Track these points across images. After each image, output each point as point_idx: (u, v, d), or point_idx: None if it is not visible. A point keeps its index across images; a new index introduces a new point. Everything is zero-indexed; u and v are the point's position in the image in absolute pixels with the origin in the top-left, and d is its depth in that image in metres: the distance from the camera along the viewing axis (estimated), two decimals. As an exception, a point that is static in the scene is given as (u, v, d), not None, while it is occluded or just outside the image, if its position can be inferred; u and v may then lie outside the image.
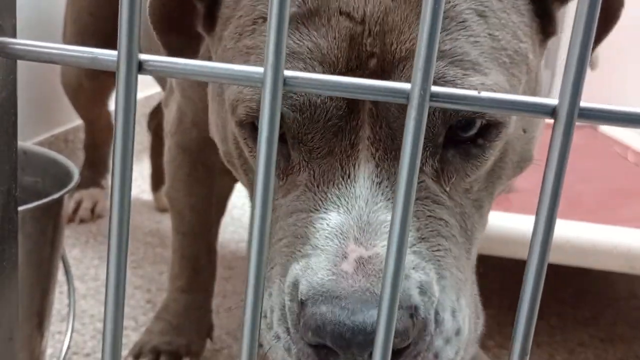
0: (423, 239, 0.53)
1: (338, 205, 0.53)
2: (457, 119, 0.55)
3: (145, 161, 1.83)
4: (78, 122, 1.75)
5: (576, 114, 0.28)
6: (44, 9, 1.62)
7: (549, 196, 0.29)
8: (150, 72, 0.30)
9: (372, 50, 0.54)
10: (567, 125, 0.28)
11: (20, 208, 0.48)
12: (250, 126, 0.59)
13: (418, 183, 0.54)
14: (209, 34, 0.67)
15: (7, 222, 0.36)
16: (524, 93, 0.61)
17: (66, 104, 1.61)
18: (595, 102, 0.30)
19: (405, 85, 0.29)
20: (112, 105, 1.57)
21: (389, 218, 0.52)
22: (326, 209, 0.53)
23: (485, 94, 0.29)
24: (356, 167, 0.54)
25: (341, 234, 0.52)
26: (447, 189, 0.57)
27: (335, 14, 0.54)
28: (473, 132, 0.56)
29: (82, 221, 1.59)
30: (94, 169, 1.68)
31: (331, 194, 0.54)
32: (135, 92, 0.30)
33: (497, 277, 1.50)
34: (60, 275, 0.97)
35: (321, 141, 0.55)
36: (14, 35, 0.33)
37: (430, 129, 0.54)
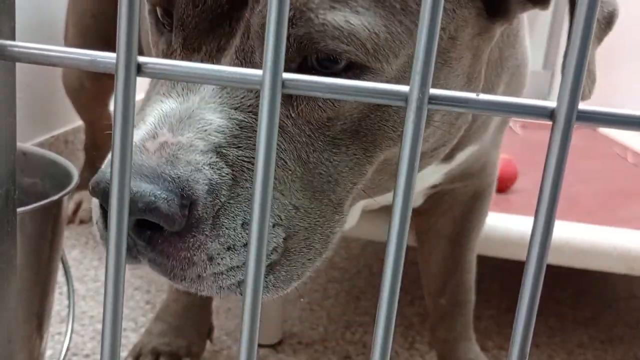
0: (236, 146, 0.54)
1: (179, 95, 0.56)
2: (313, 51, 0.54)
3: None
4: (78, 123, 1.75)
5: (574, 117, 0.28)
6: (44, 12, 1.62)
7: (547, 198, 0.29)
8: (149, 75, 0.30)
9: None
10: (566, 127, 0.28)
11: (19, 209, 0.48)
12: (154, 15, 0.63)
13: (256, 96, 0.55)
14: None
15: (6, 223, 0.36)
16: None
17: (66, 106, 1.61)
18: (594, 104, 0.30)
19: (404, 88, 0.29)
20: (112, 107, 1.57)
21: (211, 118, 0.54)
22: (169, 96, 0.56)
23: (482, 97, 0.29)
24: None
25: (164, 118, 0.54)
26: (293, 114, 0.57)
27: None
28: (338, 68, 0.55)
29: (82, 222, 1.59)
30: (94, 170, 1.67)
31: (180, 85, 0.56)
32: (134, 94, 0.30)
33: (497, 278, 1.50)
34: (60, 277, 0.97)
35: (194, 32, 0.57)
36: (13, 38, 0.33)
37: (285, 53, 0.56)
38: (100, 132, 1.66)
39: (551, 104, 0.29)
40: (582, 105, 0.29)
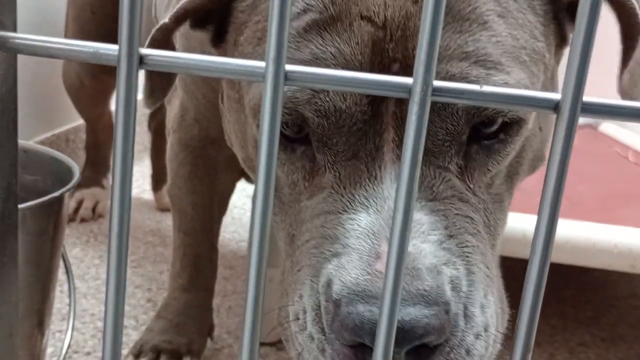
0: (452, 236, 0.54)
1: (367, 206, 0.54)
2: (480, 118, 0.56)
3: (146, 161, 1.83)
4: (79, 121, 1.75)
5: (579, 109, 0.28)
6: (46, 8, 1.62)
7: (551, 191, 0.29)
8: (151, 67, 0.30)
9: (395, 56, 0.54)
10: (570, 119, 0.28)
11: (20, 206, 0.48)
12: None
13: (445, 181, 0.55)
14: (218, 46, 0.67)
15: (7, 218, 0.36)
16: (543, 91, 0.62)
17: (67, 104, 1.61)
18: (599, 96, 0.30)
19: (407, 80, 0.29)
20: (113, 105, 1.57)
21: (418, 217, 0.53)
22: (355, 210, 0.54)
23: (487, 88, 0.29)
24: (382, 168, 0.55)
25: (373, 234, 0.52)
26: (471, 185, 0.58)
27: (357, 19, 0.54)
28: (495, 128, 0.57)
29: (83, 220, 1.59)
30: (95, 168, 1.68)
31: (359, 195, 0.54)
32: (136, 87, 0.30)
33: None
34: (61, 274, 0.97)
35: (346, 145, 0.56)
36: (14, 30, 0.33)
37: (455, 127, 0.55)
38: (101, 131, 1.65)
39: (556, 96, 0.29)
40: (587, 98, 0.29)
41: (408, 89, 0.29)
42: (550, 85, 0.65)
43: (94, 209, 1.61)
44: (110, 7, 1.40)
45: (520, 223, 1.10)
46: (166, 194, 1.69)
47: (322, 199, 0.56)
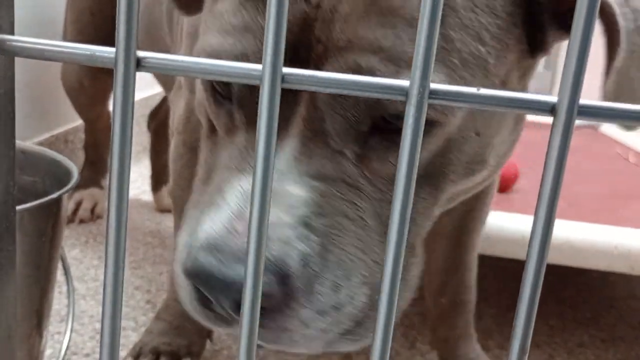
0: (322, 215, 0.56)
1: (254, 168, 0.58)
2: (380, 112, 0.56)
3: (145, 162, 1.83)
4: (78, 122, 1.75)
5: (576, 111, 0.28)
6: (44, 10, 1.62)
7: (548, 193, 0.29)
8: (148, 69, 0.30)
9: (320, 37, 0.55)
10: (567, 122, 0.28)
11: (19, 207, 0.48)
12: (209, 84, 0.63)
13: (336, 164, 0.57)
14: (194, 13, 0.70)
15: (5, 219, 0.36)
16: None
17: (66, 105, 1.61)
18: (596, 99, 0.30)
19: (404, 83, 0.29)
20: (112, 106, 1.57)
21: (294, 191, 0.56)
22: (246, 173, 0.58)
23: (483, 91, 0.29)
24: (283, 140, 0.57)
25: (247, 198, 0.55)
26: (368, 174, 0.59)
27: None
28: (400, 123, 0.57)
29: (81, 221, 1.59)
30: (94, 168, 1.68)
31: (251, 156, 0.58)
32: (134, 89, 0.30)
33: (498, 277, 1.50)
34: (60, 276, 0.97)
35: (255, 107, 0.57)
36: (12, 32, 0.33)
37: (355, 117, 0.56)
38: (100, 131, 1.65)
39: (552, 98, 0.29)
40: (583, 100, 0.29)
41: (405, 92, 0.29)
42: None
43: (92, 210, 1.61)
44: (109, 10, 1.40)
45: (521, 224, 1.10)
46: (165, 194, 1.69)
47: (230, 154, 0.60)
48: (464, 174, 0.65)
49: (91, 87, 1.52)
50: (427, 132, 0.58)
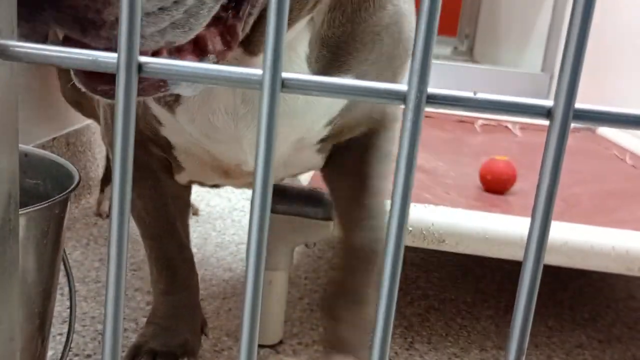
0: None
1: None
2: None
3: (145, 164, 1.83)
4: (79, 125, 1.75)
5: (571, 115, 0.29)
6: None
7: (544, 196, 0.29)
8: (149, 74, 0.31)
9: None
10: (563, 126, 0.29)
11: (21, 210, 0.48)
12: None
13: None
14: None
15: (8, 222, 0.37)
16: None
17: (67, 107, 1.61)
18: (592, 103, 0.30)
19: (402, 88, 0.30)
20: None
21: None
22: None
23: (480, 96, 0.29)
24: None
25: None
26: None
27: None
28: None
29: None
30: None
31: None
32: (135, 94, 0.30)
33: (496, 279, 1.51)
34: (61, 277, 0.97)
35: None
36: (14, 38, 0.33)
37: None
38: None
39: (548, 102, 0.29)
40: (579, 104, 0.29)
41: (403, 96, 0.29)
42: None
43: None
44: None
45: (519, 226, 1.10)
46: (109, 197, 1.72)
47: None
48: None
49: (89, 105, 1.53)
50: None
